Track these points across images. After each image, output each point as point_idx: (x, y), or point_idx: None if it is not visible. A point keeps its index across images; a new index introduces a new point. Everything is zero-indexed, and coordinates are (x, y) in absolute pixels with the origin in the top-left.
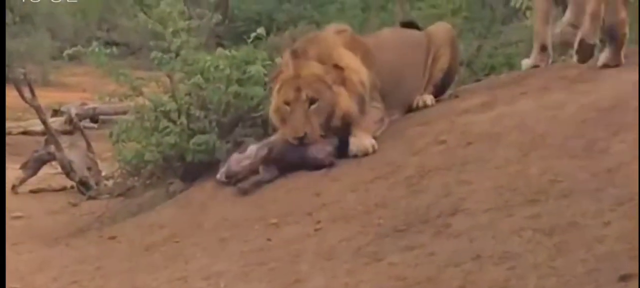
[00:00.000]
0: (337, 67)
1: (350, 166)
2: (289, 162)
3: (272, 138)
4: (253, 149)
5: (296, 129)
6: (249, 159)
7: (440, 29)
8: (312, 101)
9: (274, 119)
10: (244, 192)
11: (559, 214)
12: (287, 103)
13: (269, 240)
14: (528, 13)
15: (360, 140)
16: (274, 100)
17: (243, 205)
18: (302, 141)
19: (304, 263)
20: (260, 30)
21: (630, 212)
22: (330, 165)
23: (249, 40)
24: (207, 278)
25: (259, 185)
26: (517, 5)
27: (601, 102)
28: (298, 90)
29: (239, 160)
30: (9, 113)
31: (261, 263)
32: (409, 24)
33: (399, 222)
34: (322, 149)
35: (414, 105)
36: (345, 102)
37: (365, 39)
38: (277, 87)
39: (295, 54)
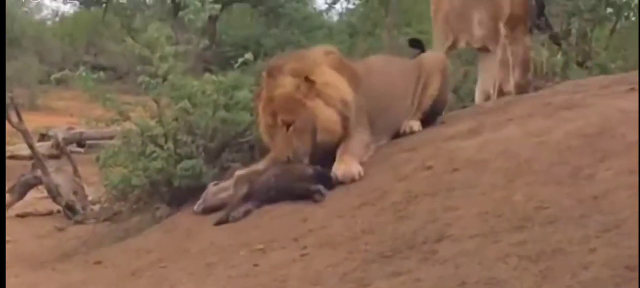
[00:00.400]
0: (308, 80)
1: (336, 192)
2: (271, 197)
3: (255, 167)
4: (231, 182)
5: (280, 152)
6: (226, 191)
7: (432, 57)
8: (288, 124)
9: (264, 138)
10: (235, 221)
11: (545, 241)
12: (270, 126)
13: (255, 265)
14: None
15: (347, 166)
16: (261, 121)
17: (229, 231)
18: (290, 161)
19: None
20: (248, 56)
21: (615, 239)
22: (315, 194)
23: (236, 66)
24: None
25: (248, 213)
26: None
27: (587, 128)
28: (273, 114)
29: (215, 193)
30: None
31: None
32: (415, 42)
33: (385, 248)
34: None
35: (401, 131)
36: (324, 115)
37: (354, 64)
38: (260, 106)
39: (270, 73)
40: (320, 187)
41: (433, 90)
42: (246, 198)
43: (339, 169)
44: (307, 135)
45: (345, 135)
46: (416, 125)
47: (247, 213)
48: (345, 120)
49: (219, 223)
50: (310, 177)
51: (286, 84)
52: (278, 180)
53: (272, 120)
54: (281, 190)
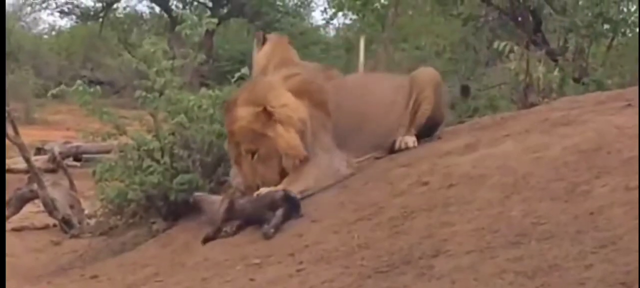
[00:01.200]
0: (266, 110)
1: (332, 207)
2: (249, 218)
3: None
4: (219, 197)
5: (249, 181)
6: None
7: (425, 73)
8: (252, 152)
9: (236, 169)
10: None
11: (541, 257)
12: (237, 156)
13: (251, 280)
14: (511, 56)
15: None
16: (229, 154)
17: (225, 245)
18: (258, 189)
19: None
20: (244, 70)
21: (611, 255)
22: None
23: (233, 80)
24: None
25: (241, 227)
26: (500, 48)
27: (583, 144)
28: (237, 145)
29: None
30: None
31: None
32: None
33: (381, 264)
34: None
35: (396, 147)
36: (285, 140)
37: (322, 84)
38: (229, 137)
39: (227, 108)
40: (275, 223)
41: (426, 105)
42: (228, 215)
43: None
44: (273, 161)
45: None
46: (411, 141)
47: (239, 228)
48: (303, 138)
49: (205, 240)
50: (277, 203)
51: (244, 115)
52: (253, 205)
53: (236, 150)
54: (251, 217)
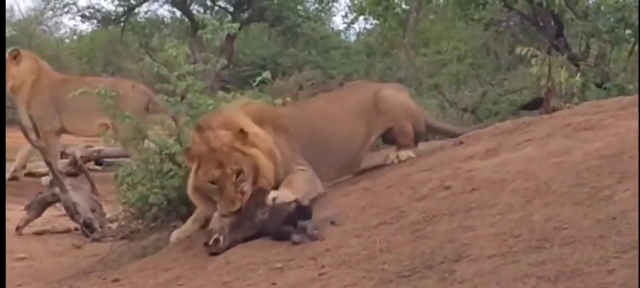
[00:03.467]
0: (243, 131)
1: (354, 211)
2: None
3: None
4: None
5: (232, 203)
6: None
7: (391, 100)
8: (238, 173)
9: (195, 198)
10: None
11: (563, 261)
12: (214, 182)
13: (273, 284)
14: (533, 61)
15: (285, 192)
16: (194, 181)
17: (247, 249)
18: (237, 213)
19: None
20: (266, 74)
21: (634, 260)
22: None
23: (255, 84)
24: None
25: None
26: (522, 53)
27: (605, 149)
28: (221, 165)
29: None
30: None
31: None
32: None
33: (403, 268)
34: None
35: (388, 161)
36: (263, 161)
37: (279, 109)
38: (194, 166)
39: (199, 128)
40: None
41: (396, 125)
42: (233, 227)
43: (281, 192)
44: (249, 183)
45: (277, 183)
46: (404, 154)
47: (231, 246)
48: (276, 168)
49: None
50: (293, 216)
51: (222, 135)
52: (264, 224)
53: (219, 171)
54: (266, 232)
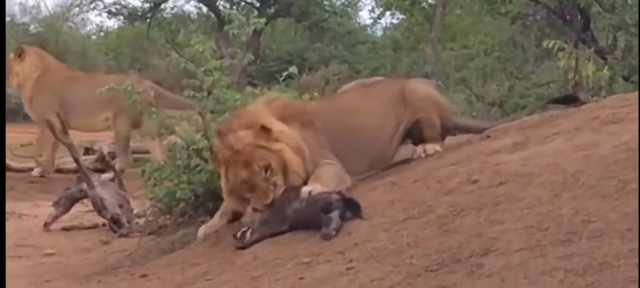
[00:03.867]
0: (265, 128)
1: (382, 205)
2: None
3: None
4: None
5: (265, 196)
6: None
7: (419, 93)
8: (266, 168)
9: (231, 202)
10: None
11: (591, 255)
12: (245, 182)
13: (301, 278)
14: (560, 54)
15: (316, 186)
16: (227, 185)
17: (275, 244)
18: (269, 207)
19: None
20: (292, 69)
21: None
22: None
23: (281, 79)
24: None
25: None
26: (549, 47)
27: (633, 142)
28: (248, 164)
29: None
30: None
31: None
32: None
33: (431, 262)
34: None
35: (415, 155)
36: (290, 156)
37: (306, 104)
38: (222, 170)
39: (219, 134)
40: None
41: (429, 124)
42: (263, 223)
43: (311, 186)
44: (281, 176)
45: (306, 178)
46: (430, 148)
47: (259, 240)
48: (305, 163)
49: (239, 247)
50: (332, 205)
51: (243, 136)
52: (297, 215)
53: (247, 170)
54: (300, 223)
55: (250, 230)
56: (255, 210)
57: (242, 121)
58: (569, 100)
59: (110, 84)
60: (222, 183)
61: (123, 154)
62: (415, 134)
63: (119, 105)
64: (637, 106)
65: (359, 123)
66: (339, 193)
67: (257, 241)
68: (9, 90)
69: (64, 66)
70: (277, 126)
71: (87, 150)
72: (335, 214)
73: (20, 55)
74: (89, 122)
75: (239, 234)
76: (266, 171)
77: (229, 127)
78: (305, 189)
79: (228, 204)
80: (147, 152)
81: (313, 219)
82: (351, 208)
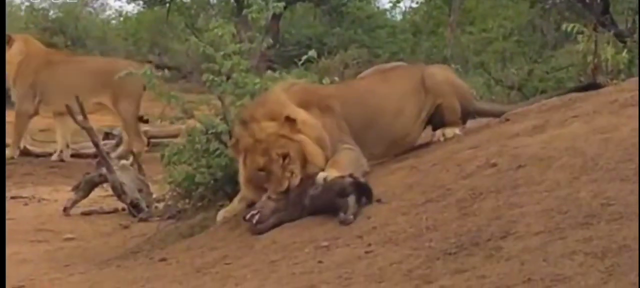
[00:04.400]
0: (289, 119)
1: (400, 189)
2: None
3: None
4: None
5: (280, 184)
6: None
7: (439, 79)
8: (284, 156)
9: (248, 190)
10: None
11: (610, 237)
12: (261, 169)
13: (319, 262)
14: (579, 38)
15: (332, 172)
16: (244, 172)
17: (293, 228)
18: (285, 194)
19: (354, 285)
20: (312, 53)
21: None
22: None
23: (300, 63)
24: None
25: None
26: (568, 30)
27: None
28: (266, 152)
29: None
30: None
31: (312, 285)
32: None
33: (449, 245)
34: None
35: (435, 139)
36: (311, 148)
37: (325, 88)
38: (241, 158)
39: (244, 122)
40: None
41: (450, 109)
42: (276, 210)
43: (328, 172)
44: (298, 167)
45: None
46: (450, 132)
47: (276, 225)
48: (326, 153)
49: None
50: (347, 190)
51: (270, 124)
52: (314, 200)
53: (265, 158)
54: (317, 209)
55: (258, 215)
56: (270, 198)
57: (266, 110)
58: (590, 88)
59: (99, 66)
60: (240, 171)
61: (136, 137)
62: (435, 119)
63: (118, 89)
64: None
65: (378, 106)
66: (352, 177)
67: (275, 225)
68: None
69: (49, 50)
70: (301, 115)
71: (107, 135)
72: (351, 199)
73: (9, 42)
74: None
75: (247, 216)
76: (284, 159)
77: (253, 115)
78: (320, 175)
79: (245, 193)
80: (167, 136)
81: (330, 205)
82: (363, 192)
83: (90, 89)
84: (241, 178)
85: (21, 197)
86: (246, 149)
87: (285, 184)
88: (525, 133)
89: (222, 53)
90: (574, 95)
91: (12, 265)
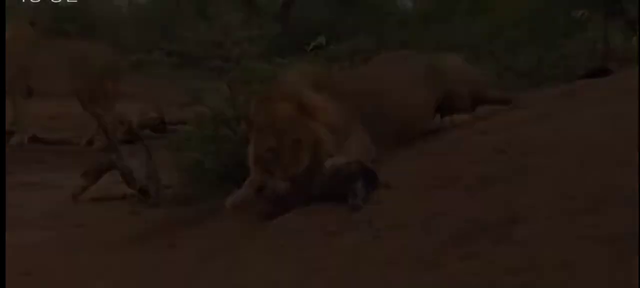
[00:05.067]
0: (304, 104)
1: (409, 174)
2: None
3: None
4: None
5: (288, 168)
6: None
7: (451, 68)
8: (295, 140)
9: (255, 171)
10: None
11: (619, 224)
12: (272, 149)
13: (329, 247)
14: (589, 25)
15: (335, 160)
16: (254, 150)
17: (302, 213)
18: (294, 179)
19: (363, 270)
20: (321, 39)
21: None
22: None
23: (309, 49)
24: (266, 286)
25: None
26: (579, 18)
27: None
28: (280, 133)
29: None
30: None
31: (320, 270)
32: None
33: (458, 230)
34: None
35: (443, 125)
36: (324, 136)
37: (338, 74)
38: (254, 136)
39: (261, 100)
40: (362, 195)
41: (454, 88)
42: (286, 196)
43: (336, 159)
44: (310, 153)
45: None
46: (458, 118)
47: (284, 211)
48: (338, 138)
49: (267, 218)
50: (354, 175)
51: (284, 107)
52: (323, 185)
53: (277, 140)
54: (325, 196)
55: (267, 201)
56: (278, 185)
57: (282, 91)
58: (600, 73)
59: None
60: (250, 148)
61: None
62: (445, 105)
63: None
64: None
65: (388, 93)
66: (358, 162)
67: (284, 211)
68: None
69: (34, 33)
70: (315, 101)
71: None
72: (359, 185)
73: None
74: (56, 88)
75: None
76: (295, 143)
77: (270, 96)
78: (328, 162)
79: (253, 174)
80: (179, 122)
81: (338, 191)
82: (369, 178)
83: (69, 71)
84: (250, 157)
85: (30, 183)
86: (259, 127)
87: (293, 169)
88: (534, 119)
89: (231, 39)
90: (583, 82)
91: (21, 251)
